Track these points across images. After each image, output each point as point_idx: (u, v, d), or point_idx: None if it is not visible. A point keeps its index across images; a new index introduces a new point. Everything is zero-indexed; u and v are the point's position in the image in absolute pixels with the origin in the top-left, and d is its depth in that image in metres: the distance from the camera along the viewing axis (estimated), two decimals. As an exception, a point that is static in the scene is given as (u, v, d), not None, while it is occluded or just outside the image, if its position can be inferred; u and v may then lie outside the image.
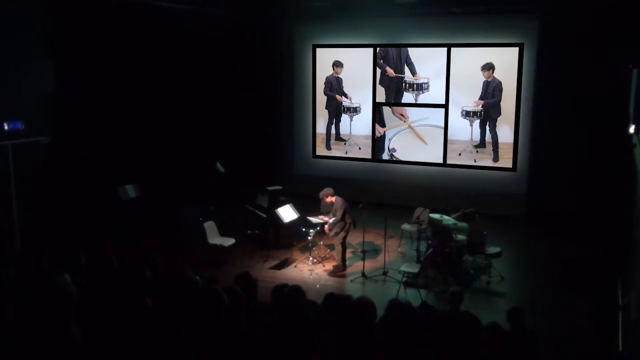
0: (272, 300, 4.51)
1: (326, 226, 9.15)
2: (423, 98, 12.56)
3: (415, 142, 12.78)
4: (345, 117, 13.36)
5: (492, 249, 9.43)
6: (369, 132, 13.14)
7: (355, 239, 9.80)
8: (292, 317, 3.58)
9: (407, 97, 12.71)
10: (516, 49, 11.66)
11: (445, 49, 12.19)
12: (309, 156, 13.83)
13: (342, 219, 8.95)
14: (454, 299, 5.32)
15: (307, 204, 10.03)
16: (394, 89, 12.78)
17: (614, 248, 8.51)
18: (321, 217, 9.44)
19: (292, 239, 9.80)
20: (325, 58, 13.31)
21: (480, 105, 12.06)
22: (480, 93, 12.02)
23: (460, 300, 5.33)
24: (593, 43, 10.27)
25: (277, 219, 9.52)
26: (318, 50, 13.34)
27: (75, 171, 9.40)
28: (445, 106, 12.36)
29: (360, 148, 13.32)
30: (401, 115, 12.80)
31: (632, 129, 7.49)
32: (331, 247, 9.41)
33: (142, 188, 10.37)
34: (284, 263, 9.32)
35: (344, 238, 9.01)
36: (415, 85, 12.59)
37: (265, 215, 9.98)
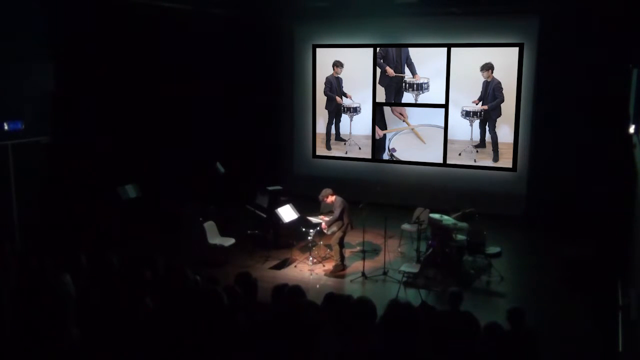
0: (272, 300, 4.51)
1: (323, 224, 9.16)
2: (423, 98, 12.56)
3: (415, 142, 12.78)
4: (345, 117, 13.35)
5: (492, 249, 9.44)
6: (369, 132, 13.13)
7: (355, 239, 9.80)
8: (292, 317, 3.58)
9: (407, 97, 12.71)
10: (516, 49, 11.66)
11: (445, 49, 12.18)
12: (309, 156, 13.83)
13: (340, 217, 8.95)
14: (454, 299, 5.32)
15: (307, 204, 10.02)
16: (393, 89, 12.78)
17: (614, 248, 8.51)
18: (321, 217, 9.44)
19: (292, 239, 9.79)
20: (325, 58, 13.31)
21: (480, 106, 12.07)
22: (480, 93, 12.03)
23: (460, 300, 5.33)
24: (593, 43, 10.26)
25: (277, 219, 9.52)
26: (318, 50, 13.34)
27: (75, 171, 9.40)
28: (445, 106, 12.35)
29: (360, 148, 13.31)
30: (400, 114, 12.80)
31: (632, 129, 7.48)
32: (331, 247, 9.41)
33: (142, 188, 10.37)
34: (284, 263, 9.32)
35: (341, 238, 8.99)
36: (415, 85, 12.59)
37: (265, 215, 9.97)
